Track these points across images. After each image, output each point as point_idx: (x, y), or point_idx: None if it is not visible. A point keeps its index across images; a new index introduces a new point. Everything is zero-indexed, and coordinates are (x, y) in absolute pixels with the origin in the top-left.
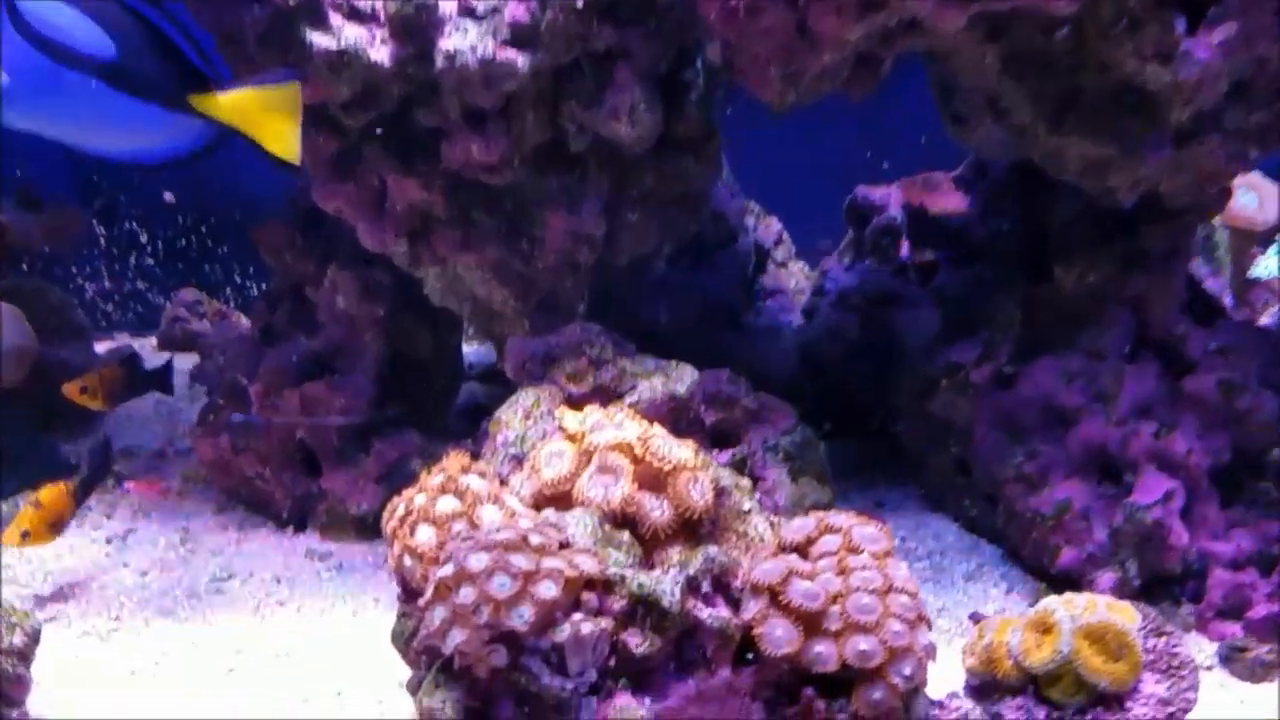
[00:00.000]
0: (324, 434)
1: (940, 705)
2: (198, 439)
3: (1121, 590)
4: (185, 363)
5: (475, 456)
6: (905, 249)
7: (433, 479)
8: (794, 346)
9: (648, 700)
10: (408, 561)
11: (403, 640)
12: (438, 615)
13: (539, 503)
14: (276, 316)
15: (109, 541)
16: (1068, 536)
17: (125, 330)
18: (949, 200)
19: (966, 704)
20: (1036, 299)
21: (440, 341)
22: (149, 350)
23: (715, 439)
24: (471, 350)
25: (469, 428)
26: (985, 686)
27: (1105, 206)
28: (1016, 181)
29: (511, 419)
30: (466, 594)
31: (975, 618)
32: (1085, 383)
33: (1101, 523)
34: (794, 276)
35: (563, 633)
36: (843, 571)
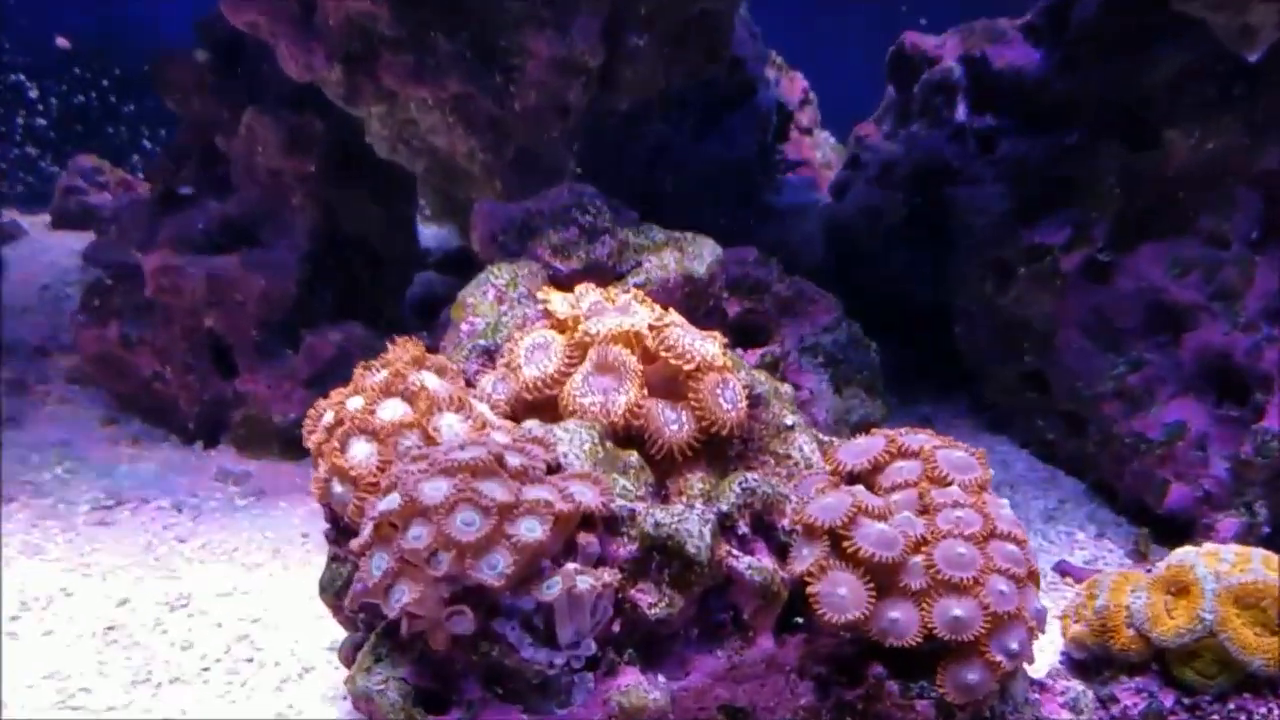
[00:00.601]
0: (240, 324)
1: (1041, 686)
2: (80, 330)
3: (1246, 538)
4: (81, 242)
5: (433, 350)
6: (962, 111)
7: (373, 376)
8: (821, 230)
9: (661, 678)
10: (337, 487)
11: (333, 592)
12: (377, 564)
13: (517, 411)
14: (181, 176)
15: None
16: (1178, 469)
17: (14, 206)
18: (1016, 53)
19: (1074, 685)
20: (1140, 171)
21: (390, 213)
22: (43, 228)
23: (739, 335)
24: (430, 233)
25: (425, 324)
26: (1095, 661)
27: (1222, 64)
28: (1107, 27)
29: (480, 302)
30: (418, 535)
31: (1064, 569)
32: (1202, 276)
33: (1222, 453)
34: (820, 147)
35: (551, 589)
36: (926, 510)
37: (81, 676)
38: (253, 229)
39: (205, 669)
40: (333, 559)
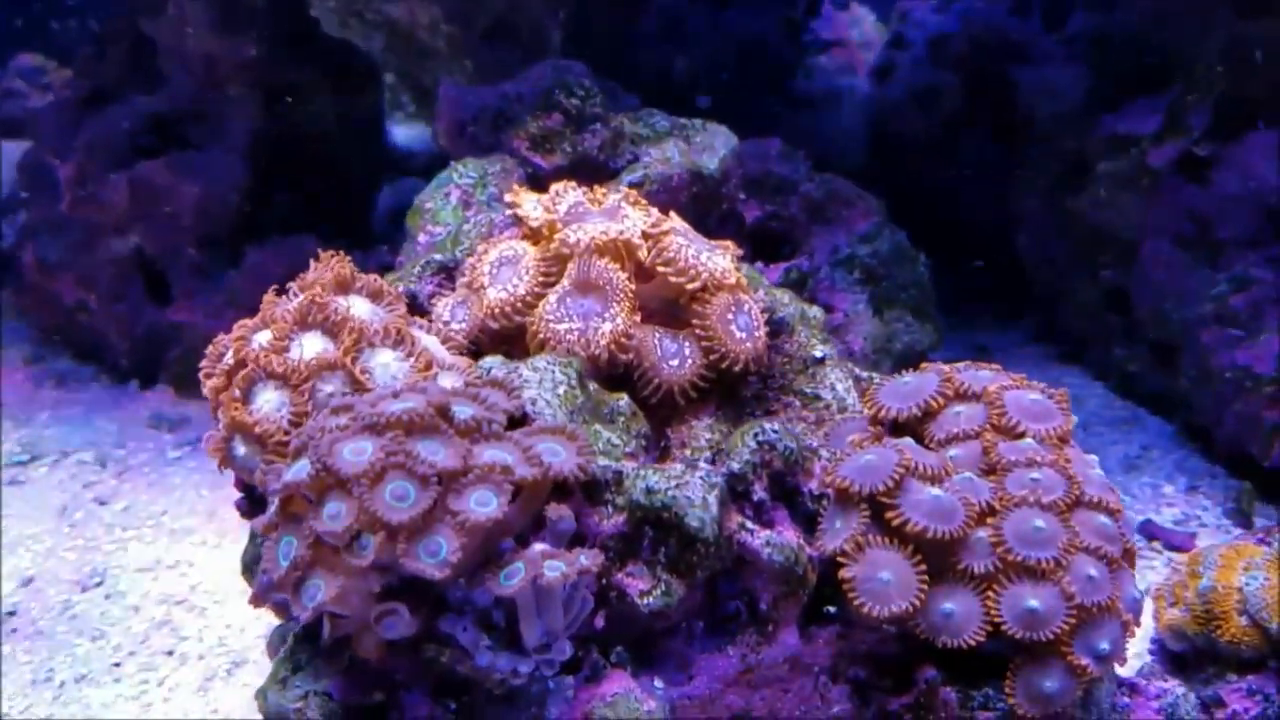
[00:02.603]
0: (172, 241)
1: (1132, 688)
2: None
3: None
4: (20, 151)
5: (390, 271)
6: None
7: (286, 303)
8: (861, 120)
9: (658, 683)
10: (240, 448)
11: (258, 572)
12: (285, 550)
13: (481, 344)
14: (105, 67)
15: None
16: None
17: None
18: None
19: (1172, 686)
20: (1250, 41)
21: (350, 105)
22: None
23: (759, 246)
24: (409, 132)
25: (399, 237)
26: (1196, 655)
27: None
28: None
29: (440, 208)
30: (336, 513)
31: (1151, 531)
32: None
33: None
34: (858, 24)
35: (511, 579)
36: (993, 470)
37: None
38: (183, 127)
39: (117, 664)
40: (252, 534)
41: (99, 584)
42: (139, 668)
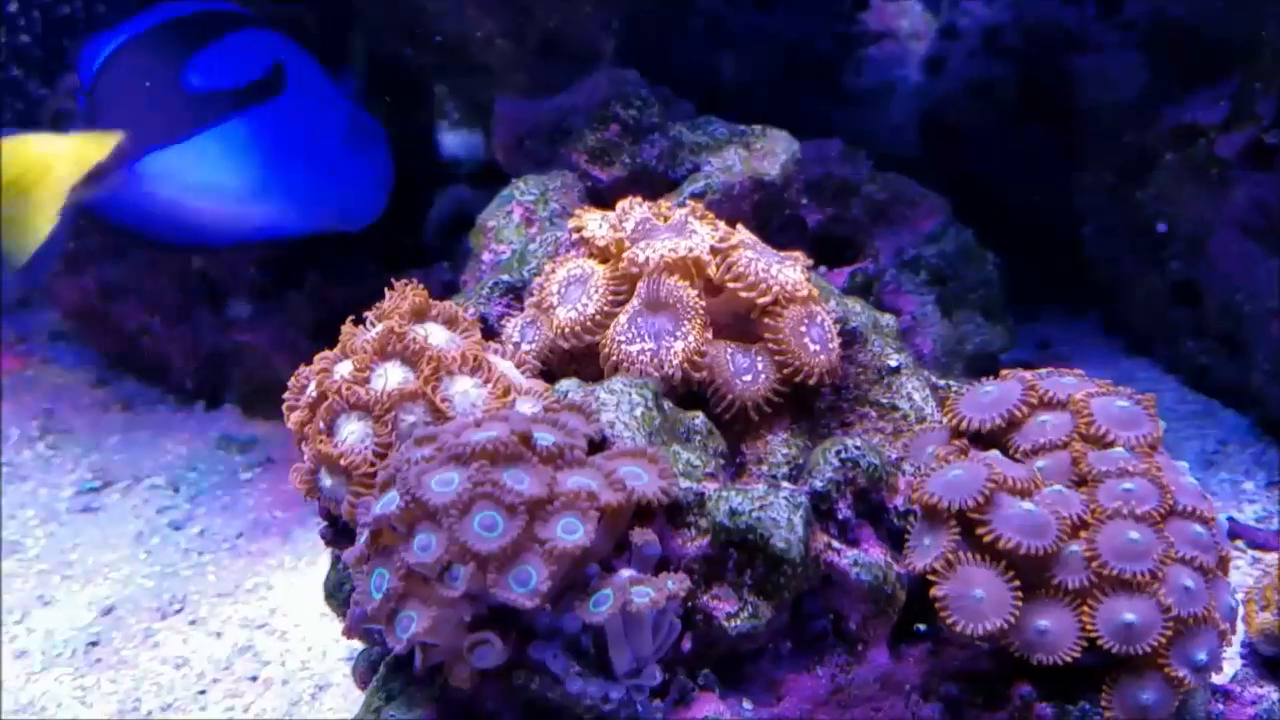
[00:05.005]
0: (234, 264)
1: (1226, 694)
2: (55, 280)
3: None
4: None
5: (453, 289)
6: None
7: (365, 334)
8: (913, 114)
9: (748, 705)
10: (326, 480)
11: (340, 599)
12: (377, 583)
13: (552, 365)
14: None
15: None
16: None
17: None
18: None
19: (1269, 692)
20: None
21: (402, 122)
22: None
23: (822, 250)
24: (455, 139)
25: (452, 250)
26: None
27: None
28: None
29: (503, 226)
30: (426, 545)
31: (1235, 530)
32: None
33: None
34: (907, 14)
35: (600, 607)
36: (1083, 481)
37: (60, 709)
38: None
39: (202, 692)
40: (336, 560)
41: (179, 610)
42: (224, 694)
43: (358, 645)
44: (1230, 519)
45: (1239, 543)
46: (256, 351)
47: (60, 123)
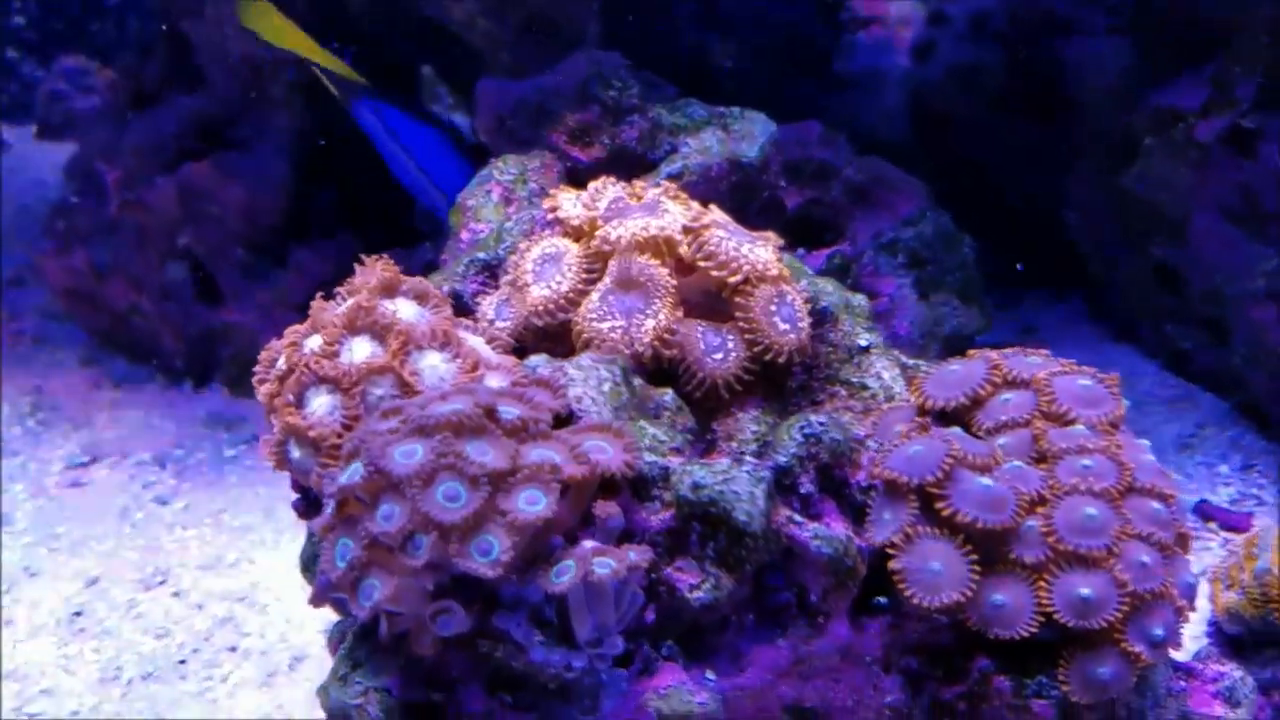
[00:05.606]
0: (220, 243)
1: (1189, 672)
2: (45, 260)
3: None
4: (66, 154)
5: (435, 269)
6: None
7: (334, 308)
8: (902, 100)
9: (710, 675)
10: (295, 452)
11: (315, 571)
12: (342, 552)
13: (526, 342)
14: (148, 70)
15: None
16: None
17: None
18: None
19: (1230, 670)
20: None
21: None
22: (29, 141)
23: (801, 233)
24: (459, 120)
25: (439, 231)
26: (1253, 638)
27: None
28: None
29: (481, 205)
30: (389, 515)
31: (1206, 512)
32: None
33: None
34: (894, 0)
35: (562, 577)
36: (1043, 458)
37: (43, 676)
38: (226, 128)
39: (182, 661)
40: (309, 533)
41: (162, 582)
42: (204, 664)
43: (335, 617)
44: (1203, 501)
45: (1212, 524)
46: (245, 330)
47: (55, 104)
